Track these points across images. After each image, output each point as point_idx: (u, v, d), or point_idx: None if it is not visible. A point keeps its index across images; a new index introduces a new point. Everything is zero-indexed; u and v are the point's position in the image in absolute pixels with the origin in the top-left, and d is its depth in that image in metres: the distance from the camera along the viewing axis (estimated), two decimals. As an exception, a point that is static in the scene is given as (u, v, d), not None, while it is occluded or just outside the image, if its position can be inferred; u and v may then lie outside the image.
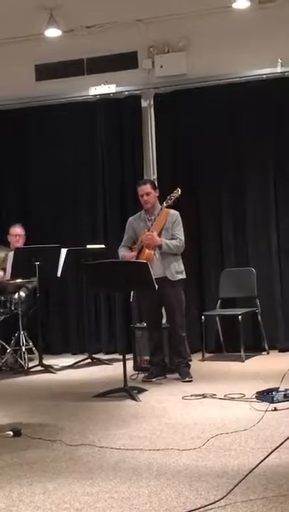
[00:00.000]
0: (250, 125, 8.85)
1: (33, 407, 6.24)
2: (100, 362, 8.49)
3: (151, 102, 9.25)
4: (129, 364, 7.30)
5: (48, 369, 8.05)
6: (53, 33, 9.02)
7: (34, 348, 8.37)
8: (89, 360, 8.56)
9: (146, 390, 6.63)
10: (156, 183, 7.81)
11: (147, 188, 7.24)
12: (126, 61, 9.21)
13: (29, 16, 8.83)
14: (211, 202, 9.03)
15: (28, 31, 9.14)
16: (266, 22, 8.62)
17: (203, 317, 8.45)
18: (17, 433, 5.15)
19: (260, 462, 3.93)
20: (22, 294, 8.36)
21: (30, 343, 8.33)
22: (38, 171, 9.60)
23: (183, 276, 7.20)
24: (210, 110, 8.88)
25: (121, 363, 6.60)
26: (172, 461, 4.41)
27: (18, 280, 8.16)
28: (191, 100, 8.99)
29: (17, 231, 8.74)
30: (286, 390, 5.75)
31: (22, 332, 8.13)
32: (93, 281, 7.02)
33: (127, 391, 6.37)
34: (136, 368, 7.67)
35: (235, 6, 8.52)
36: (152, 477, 4.13)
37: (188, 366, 7.21)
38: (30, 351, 8.35)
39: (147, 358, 7.51)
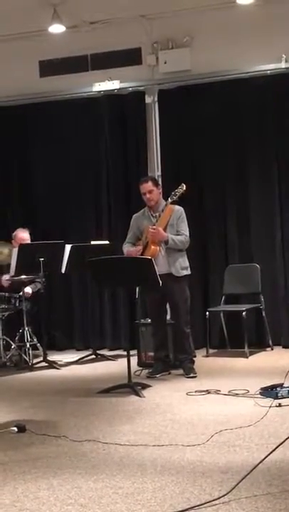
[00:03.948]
0: (254, 121, 8.83)
1: (37, 403, 6.25)
2: (104, 358, 8.50)
3: (155, 98, 9.24)
4: (134, 360, 7.31)
5: (52, 365, 8.07)
6: (56, 29, 9.00)
7: (38, 344, 8.38)
8: (93, 356, 8.56)
9: (150, 386, 6.63)
10: (159, 179, 7.80)
11: (149, 185, 7.22)
12: (130, 57, 9.19)
13: (33, 12, 8.82)
14: (215, 198, 9.02)
15: (31, 27, 9.13)
16: (270, 18, 8.59)
17: (207, 313, 8.46)
18: (21, 429, 5.16)
19: (264, 458, 3.93)
20: (29, 290, 8.36)
21: (35, 339, 8.33)
22: (42, 167, 9.60)
23: (188, 272, 7.20)
24: (214, 106, 8.85)
25: (125, 359, 6.60)
26: (176, 457, 4.42)
27: (23, 276, 8.15)
28: (195, 96, 8.97)
29: (22, 237, 8.63)
30: (290, 385, 5.76)
31: (26, 328, 8.14)
32: (97, 277, 7.01)
33: (131, 387, 6.37)
34: (140, 364, 7.67)
35: (239, 1, 8.51)
36: (157, 473, 4.14)
37: (193, 362, 7.22)
38: (34, 347, 8.36)
39: (151, 354, 7.51)
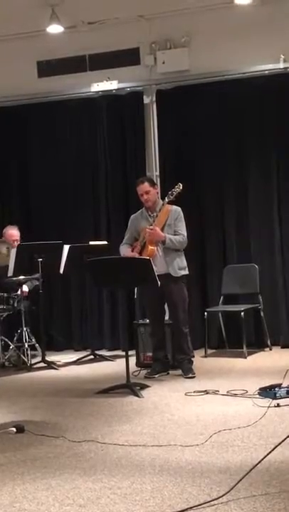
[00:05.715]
0: (253, 121, 8.82)
1: (35, 403, 6.25)
2: (103, 358, 8.49)
3: (154, 99, 9.24)
4: (132, 360, 7.29)
5: (50, 365, 8.06)
6: (55, 29, 9.00)
7: (37, 345, 8.37)
8: (92, 357, 8.56)
9: (148, 387, 6.63)
10: (157, 179, 7.77)
11: (146, 186, 7.21)
12: (128, 57, 9.18)
13: (31, 12, 8.82)
14: (214, 198, 9.02)
15: (30, 28, 9.12)
16: (268, 18, 8.58)
17: (205, 313, 8.45)
18: (20, 429, 5.16)
19: (262, 458, 3.94)
20: (26, 288, 8.37)
21: (33, 340, 8.33)
22: (40, 168, 9.60)
23: (186, 272, 7.20)
24: (212, 106, 8.86)
25: (124, 360, 6.61)
26: (175, 457, 4.42)
27: (21, 277, 8.15)
28: (194, 96, 8.97)
29: (11, 233, 8.67)
30: (289, 386, 5.76)
31: (25, 328, 8.14)
32: (96, 277, 7.01)
33: (130, 387, 6.37)
34: (138, 364, 7.67)
35: (237, 1, 8.50)
36: (155, 473, 4.14)
37: (191, 362, 7.22)
38: (33, 348, 8.36)
39: (150, 354, 7.52)
